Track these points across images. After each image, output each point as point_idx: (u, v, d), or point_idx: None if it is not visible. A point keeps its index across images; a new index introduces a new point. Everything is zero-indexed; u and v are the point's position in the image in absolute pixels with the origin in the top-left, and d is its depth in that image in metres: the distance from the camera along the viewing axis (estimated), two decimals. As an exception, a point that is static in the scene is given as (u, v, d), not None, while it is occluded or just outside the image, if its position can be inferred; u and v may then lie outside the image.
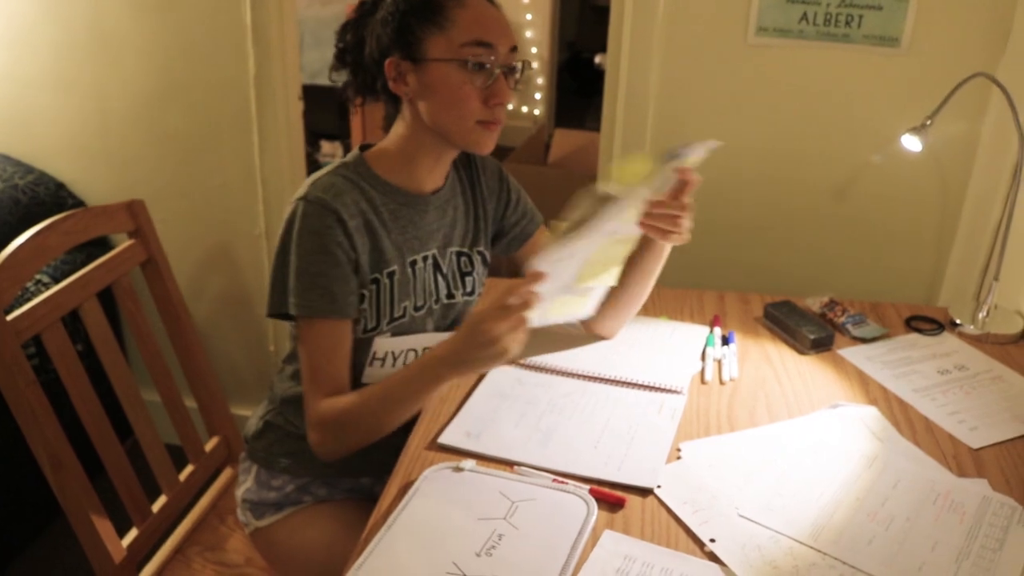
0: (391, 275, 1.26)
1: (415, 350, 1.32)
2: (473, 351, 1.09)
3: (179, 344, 1.58)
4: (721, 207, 2.02)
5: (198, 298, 2.31)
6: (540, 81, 5.09)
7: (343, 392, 1.21)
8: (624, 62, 1.94)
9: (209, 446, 1.63)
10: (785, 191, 1.99)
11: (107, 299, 1.41)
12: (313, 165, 4.12)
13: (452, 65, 1.18)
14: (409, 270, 1.29)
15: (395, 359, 1.30)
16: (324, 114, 4.18)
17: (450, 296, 1.36)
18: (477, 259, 1.40)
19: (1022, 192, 1.54)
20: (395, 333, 1.28)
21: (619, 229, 1.19)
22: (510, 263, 1.48)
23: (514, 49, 1.22)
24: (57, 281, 1.32)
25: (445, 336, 1.35)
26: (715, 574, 0.98)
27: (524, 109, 5.18)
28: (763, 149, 1.96)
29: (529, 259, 1.27)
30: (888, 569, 0.99)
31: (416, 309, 1.30)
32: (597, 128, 2.05)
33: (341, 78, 1.31)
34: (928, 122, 1.61)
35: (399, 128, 1.28)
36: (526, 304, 1.07)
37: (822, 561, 1.01)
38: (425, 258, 1.31)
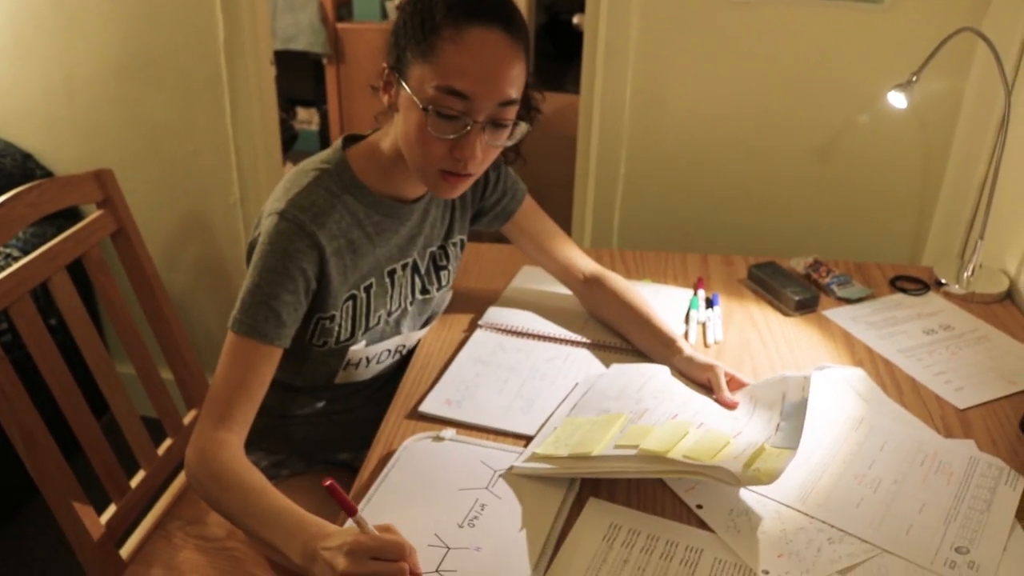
0: (367, 288, 1.22)
1: (388, 350, 1.30)
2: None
3: (153, 315, 1.54)
4: (703, 168, 2.00)
5: (172, 268, 2.27)
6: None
7: (238, 422, 1.06)
8: (602, 22, 1.89)
9: (187, 418, 1.60)
10: (768, 151, 1.96)
11: (79, 272, 1.37)
12: (288, 131, 4.05)
13: (418, 105, 1.05)
14: (387, 280, 1.24)
15: (369, 362, 1.28)
16: (299, 80, 4.12)
17: (424, 292, 1.33)
18: (452, 250, 1.36)
19: (1008, 148, 1.53)
20: (370, 340, 1.25)
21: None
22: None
23: (507, 103, 1.06)
24: (27, 255, 1.29)
25: (420, 335, 1.34)
26: (702, 540, 0.97)
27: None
28: (745, 109, 1.93)
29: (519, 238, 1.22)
30: (876, 532, 0.99)
31: (390, 314, 1.27)
32: (576, 91, 2.01)
33: None
34: (914, 78, 1.59)
35: (391, 133, 1.16)
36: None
37: (810, 525, 1.00)
38: (404, 265, 1.27)
